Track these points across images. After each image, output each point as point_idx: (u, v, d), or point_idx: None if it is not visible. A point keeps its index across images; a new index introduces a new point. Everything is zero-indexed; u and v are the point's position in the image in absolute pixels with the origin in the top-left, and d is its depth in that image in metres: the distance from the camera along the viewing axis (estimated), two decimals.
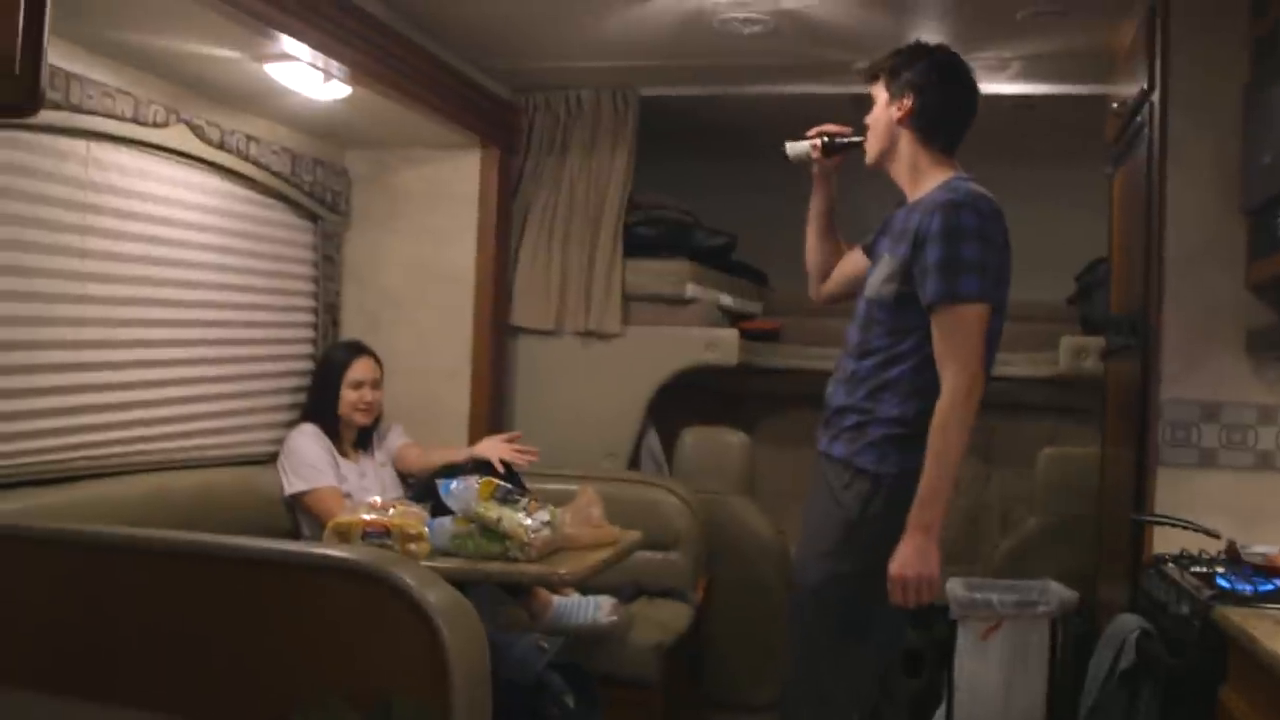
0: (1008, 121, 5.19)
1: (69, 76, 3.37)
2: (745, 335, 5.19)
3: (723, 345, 5.02)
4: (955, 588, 4.33)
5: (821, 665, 3.03)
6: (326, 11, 3.63)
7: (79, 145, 3.49)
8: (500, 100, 4.99)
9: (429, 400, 4.85)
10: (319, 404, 4.26)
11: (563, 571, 3.34)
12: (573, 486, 4.09)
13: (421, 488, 4.04)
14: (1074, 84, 4.56)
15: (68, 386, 3.47)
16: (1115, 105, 4.04)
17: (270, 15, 3.36)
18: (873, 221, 3.30)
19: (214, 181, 4.08)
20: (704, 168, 5.88)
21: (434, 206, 4.94)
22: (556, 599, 4.00)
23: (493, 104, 4.91)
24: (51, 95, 3.24)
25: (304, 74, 3.83)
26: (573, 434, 4.93)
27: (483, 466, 3.96)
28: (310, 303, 4.67)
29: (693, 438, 5.03)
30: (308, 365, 4.53)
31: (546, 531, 3.37)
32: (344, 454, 4.21)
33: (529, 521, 3.34)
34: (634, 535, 3.86)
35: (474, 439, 4.71)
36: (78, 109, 3.42)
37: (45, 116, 3.25)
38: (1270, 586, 2.76)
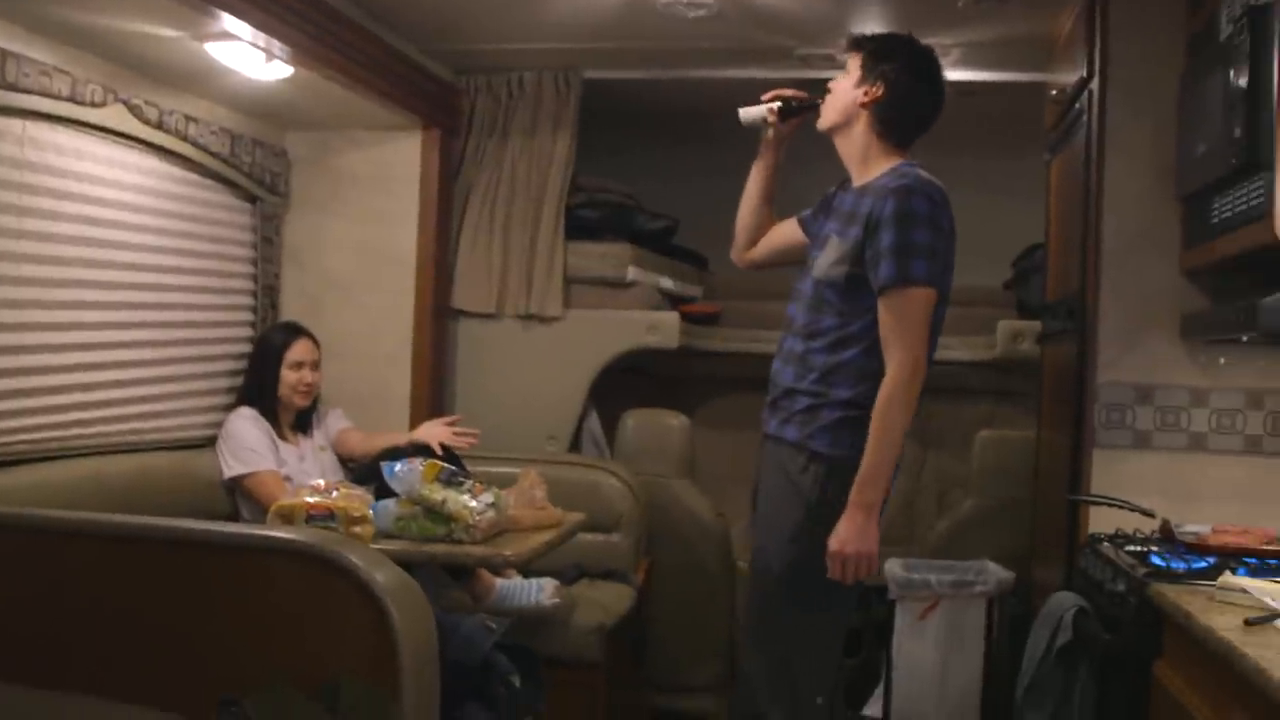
0: (948, 108, 5.24)
1: (5, 54, 3.33)
2: (686, 319, 5.21)
3: (664, 328, 5.04)
4: (893, 568, 4.39)
5: (789, 648, 3.06)
6: None
7: (14, 124, 3.45)
8: (442, 82, 4.97)
9: (370, 383, 4.85)
10: (257, 386, 4.24)
11: (508, 553, 3.36)
12: (515, 469, 4.10)
13: (363, 471, 4.04)
14: (1013, 71, 4.61)
15: (4, 369, 3.44)
16: (1054, 93, 4.10)
17: None
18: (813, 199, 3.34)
19: (152, 162, 4.05)
20: (646, 151, 5.89)
21: (375, 188, 4.93)
22: (499, 581, 4.01)
23: (435, 86, 4.89)
24: None
25: (245, 54, 3.80)
26: (514, 417, 4.93)
27: (424, 450, 3.97)
28: (249, 285, 4.64)
29: (634, 420, 5.05)
30: (246, 348, 4.49)
31: (491, 513, 3.39)
32: (283, 437, 4.20)
33: (474, 504, 3.36)
34: (577, 517, 3.90)
35: (415, 422, 4.71)
36: (14, 88, 3.38)
37: None
38: (1203, 564, 2.83)
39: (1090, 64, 3.58)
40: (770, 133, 3.34)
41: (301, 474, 4.07)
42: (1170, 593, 2.61)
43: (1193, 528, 3.17)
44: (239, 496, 4.06)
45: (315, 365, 4.30)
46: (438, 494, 3.35)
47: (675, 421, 5.00)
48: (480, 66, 5.04)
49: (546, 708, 3.52)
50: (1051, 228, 4.26)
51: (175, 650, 2.67)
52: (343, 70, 4.11)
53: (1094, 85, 3.56)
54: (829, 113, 3.16)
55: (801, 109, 3.28)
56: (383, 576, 2.53)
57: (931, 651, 4.31)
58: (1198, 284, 3.42)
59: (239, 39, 3.67)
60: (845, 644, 3.29)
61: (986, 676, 4.32)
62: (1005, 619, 4.30)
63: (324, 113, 4.68)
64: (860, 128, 3.12)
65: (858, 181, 3.14)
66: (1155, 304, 3.47)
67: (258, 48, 3.77)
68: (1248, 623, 2.29)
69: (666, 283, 5.39)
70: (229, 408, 4.25)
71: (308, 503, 3.30)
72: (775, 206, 3.45)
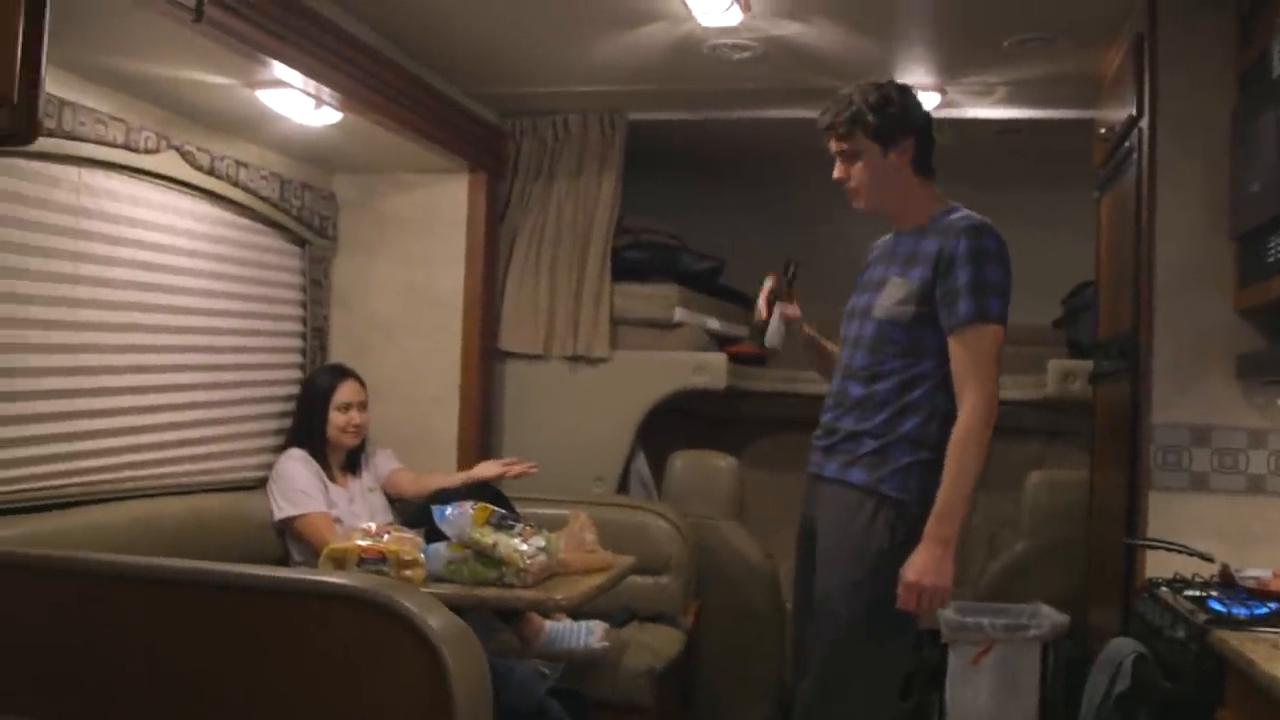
0: (993, 146, 5.25)
1: (62, 103, 3.38)
2: (733, 359, 5.21)
3: (711, 369, 5.04)
4: (945, 611, 4.35)
5: (849, 692, 3.03)
6: (318, 38, 3.65)
7: (70, 171, 3.51)
8: (488, 125, 5.01)
9: (417, 425, 4.86)
10: (306, 428, 4.27)
11: (558, 597, 3.35)
12: (562, 511, 4.12)
13: (414, 513, 4.05)
14: (1059, 109, 4.60)
15: (60, 413, 3.48)
16: (1103, 130, 4.09)
17: (263, 42, 3.39)
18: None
19: (203, 207, 4.10)
20: (691, 191, 5.91)
21: (421, 231, 4.96)
22: (548, 624, 4.00)
23: (480, 129, 4.93)
24: (44, 122, 3.25)
25: (295, 100, 3.85)
26: (561, 458, 4.93)
27: (476, 492, 3.96)
28: (298, 327, 4.68)
29: (681, 462, 5.04)
30: (295, 389, 4.51)
31: (542, 558, 3.39)
32: (332, 478, 4.21)
33: (525, 547, 3.36)
34: (628, 561, 3.89)
35: (463, 463, 4.72)
36: (70, 135, 3.43)
37: (38, 143, 3.23)
38: (1264, 610, 2.79)
39: (1140, 101, 3.57)
40: (791, 326, 3.35)
41: (351, 516, 4.08)
42: (1232, 640, 2.57)
43: (1253, 572, 3.13)
44: (289, 538, 4.07)
45: (363, 406, 4.32)
46: (489, 538, 3.35)
47: (723, 463, 4.99)
48: (525, 109, 5.08)
49: None
50: (1102, 265, 4.24)
51: (227, 696, 2.67)
52: (390, 115, 4.15)
53: (1144, 123, 3.55)
54: (873, 199, 3.12)
55: (793, 278, 3.34)
56: (437, 622, 2.53)
57: (985, 697, 4.26)
58: (1254, 323, 3.39)
59: (289, 86, 3.72)
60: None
61: None
62: (1060, 664, 4.25)
63: (371, 157, 4.72)
64: (902, 183, 3.12)
65: (907, 224, 3.14)
66: (1210, 343, 3.43)
67: (307, 94, 3.82)
68: None
69: (713, 323, 5.40)
70: (279, 449, 4.27)
71: (359, 546, 3.31)
72: (818, 261, 3.48)
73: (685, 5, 3.77)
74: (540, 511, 4.24)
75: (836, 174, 3.12)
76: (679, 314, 5.10)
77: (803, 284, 3.37)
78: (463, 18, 4.00)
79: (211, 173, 4.05)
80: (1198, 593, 3.01)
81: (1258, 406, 3.42)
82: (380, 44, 4.07)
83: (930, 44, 4.16)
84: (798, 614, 3.27)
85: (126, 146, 3.65)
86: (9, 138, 2.30)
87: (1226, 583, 3.08)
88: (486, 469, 4.30)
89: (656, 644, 4.29)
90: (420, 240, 4.96)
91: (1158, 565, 3.31)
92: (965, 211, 3.08)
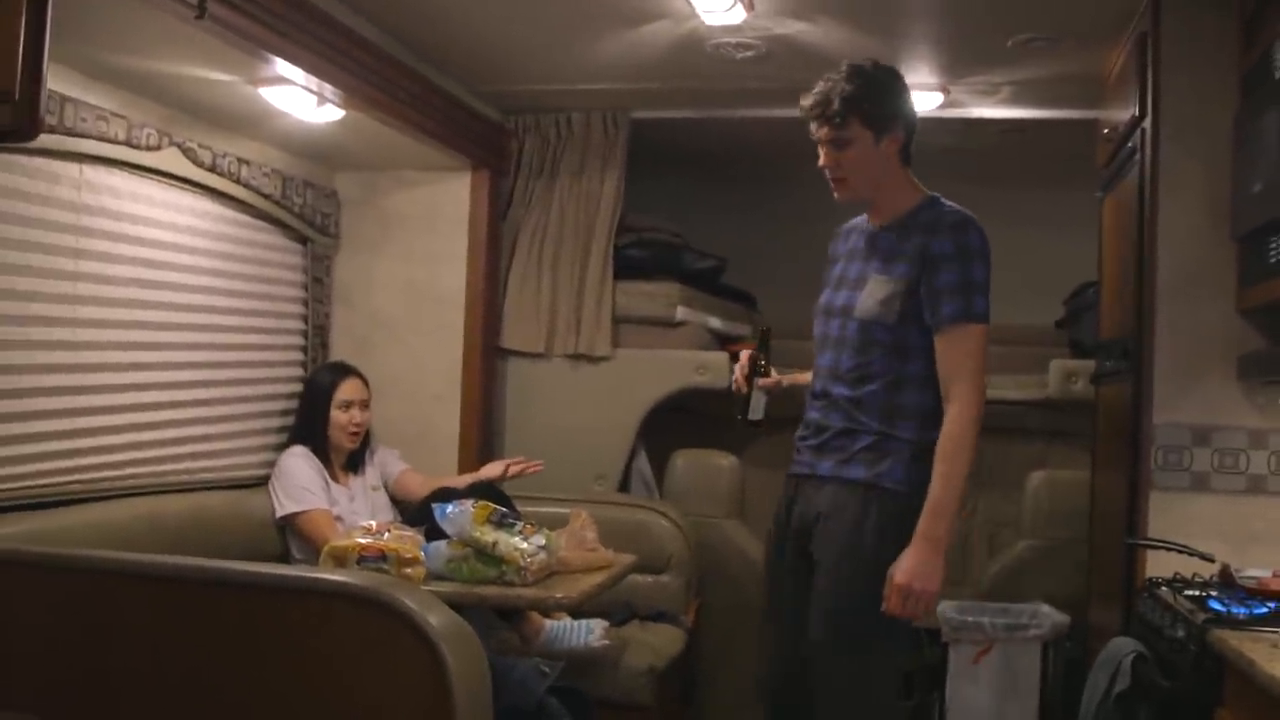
0: (997, 145, 5.25)
1: (63, 99, 3.39)
2: (734, 358, 5.20)
3: (713, 368, 5.05)
4: (946, 610, 4.36)
5: (848, 691, 3.01)
6: (321, 35, 3.66)
7: (72, 168, 3.52)
8: (490, 123, 5.02)
9: (418, 423, 4.87)
10: (308, 426, 4.27)
11: (559, 596, 3.37)
12: (563, 509, 4.14)
13: (414, 511, 4.05)
14: (1063, 109, 4.61)
15: (62, 410, 3.49)
16: (1106, 131, 4.09)
17: (265, 39, 3.39)
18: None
19: (205, 204, 4.11)
20: (694, 190, 5.92)
21: (424, 229, 4.97)
22: (548, 622, 4.01)
23: (483, 126, 4.94)
24: (46, 119, 3.25)
25: (297, 97, 3.85)
26: (563, 457, 4.92)
27: (478, 490, 3.97)
28: (300, 325, 4.69)
29: (683, 460, 5.05)
30: (297, 387, 4.53)
31: (543, 556, 3.40)
32: (334, 477, 4.22)
33: (525, 545, 3.37)
34: (628, 559, 3.90)
35: (464, 461, 4.74)
36: (71, 132, 3.44)
37: (39, 140, 3.24)
38: (1264, 610, 2.80)
39: (1142, 102, 3.58)
40: (771, 393, 3.37)
41: (352, 514, 4.09)
42: (1232, 639, 2.58)
43: (1253, 572, 3.13)
44: (290, 535, 4.08)
45: (365, 405, 4.33)
46: (489, 536, 3.36)
47: (725, 461, 5.00)
48: (528, 107, 5.08)
49: None
50: (1104, 265, 4.24)
51: (226, 694, 2.68)
52: (392, 112, 4.15)
53: (1146, 124, 3.55)
54: (862, 188, 3.07)
55: (765, 346, 3.36)
56: (437, 620, 2.54)
57: (986, 696, 4.27)
58: (1255, 324, 3.39)
59: (291, 83, 3.73)
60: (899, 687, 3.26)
61: None
62: (1061, 663, 4.26)
63: (373, 154, 4.73)
64: (890, 172, 3.08)
65: (886, 215, 3.10)
66: (1211, 344, 3.43)
67: (310, 91, 3.82)
68: None
69: (715, 322, 5.40)
70: (281, 447, 4.28)
71: (360, 544, 3.32)
72: (819, 260, 3.42)
73: (689, 3, 3.78)
74: (541, 510, 4.26)
75: (822, 161, 3.05)
76: (681, 313, 5.10)
77: (803, 293, 3.37)
78: (466, 14, 4.00)
79: (213, 170, 4.06)
80: (1198, 592, 3.02)
81: (1259, 407, 3.42)
82: (383, 41, 4.07)
83: (934, 43, 4.16)
84: (776, 616, 3.20)
85: (128, 143, 3.66)
86: (10, 134, 2.32)
87: (1226, 582, 3.09)
88: (492, 469, 4.32)
89: (657, 643, 4.30)
90: (422, 238, 4.97)
91: (1158, 565, 3.31)
92: (948, 204, 3.06)
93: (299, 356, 4.67)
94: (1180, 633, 2.83)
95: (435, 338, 4.95)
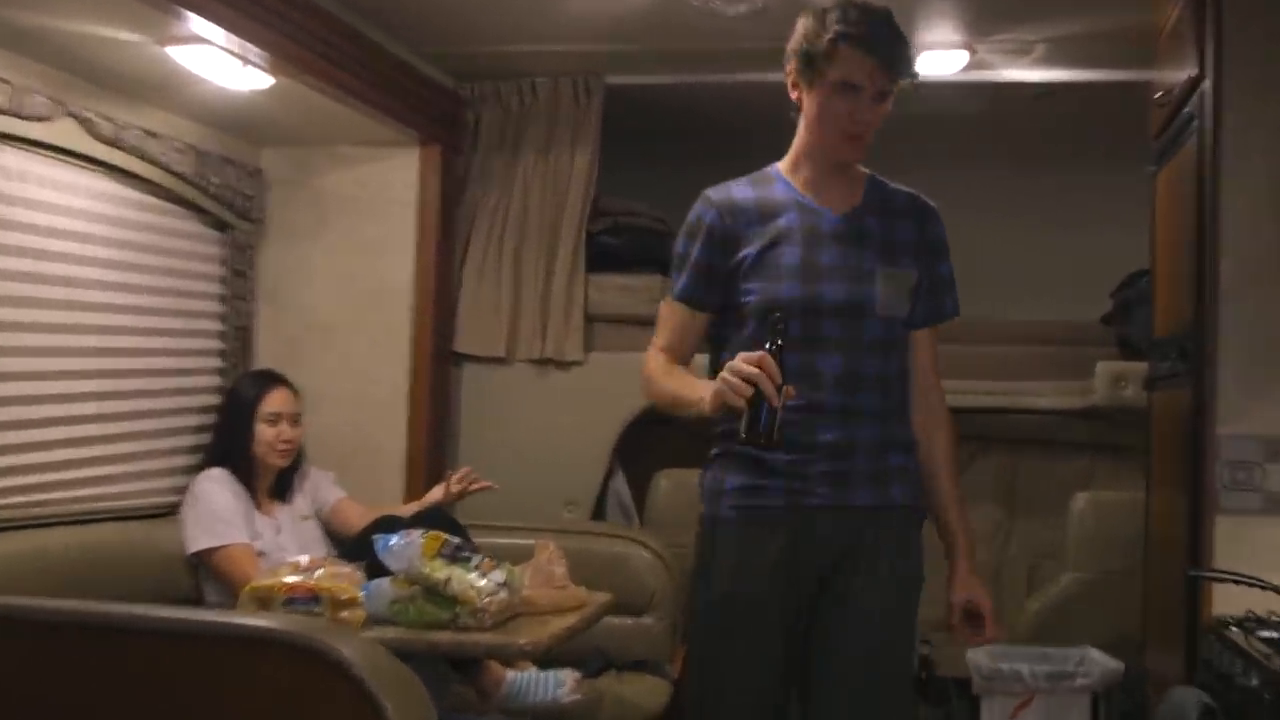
0: (1030, 113, 5.25)
1: None
2: (715, 356, 5.19)
3: (702, 373, 5.00)
4: (977, 656, 4.34)
5: None
6: None
7: None
8: (443, 90, 5.01)
9: (359, 440, 4.85)
10: (228, 444, 4.23)
11: (522, 641, 3.32)
12: (527, 540, 4.08)
13: (353, 545, 4.01)
14: (1108, 69, 4.63)
15: None
16: (1159, 95, 4.07)
17: None
18: None
19: (105, 184, 4.07)
20: (680, 168, 5.86)
21: (365, 213, 4.95)
22: (510, 674, 3.98)
23: (434, 94, 4.92)
24: None
25: (216, 59, 3.83)
26: (528, 479, 4.91)
27: (426, 518, 3.92)
28: (218, 326, 4.66)
29: (667, 482, 5.05)
30: (215, 400, 4.50)
31: (503, 594, 3.36)
32: (257, 504, 4.18)
33: (482, 583, 3.33)
34: (603, 598, 3.86)
35: (412, 486, 4.71)
36: None
37: None
38: None
39: (1202, 60, 3.55)
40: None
41: (278, 549, 4.04)
42: None
43: None
44: (204, 574, 4.03)
45: (295, 419, 4.29)
46: (440, 572, 3.31)
47: None
48: (487, 72, 5.08)
49: None
50: (1158, 252, 4.23)
51: None
52: (328, 78, 4.13)
53: (1207, 85, 3.52)
54: (868, 146, 3.08)
55: (780, 341, 2.98)
56: (379, 672, 2.49)
57: None
58: None
59: (209, 43, 3.70)
60: None
61: None
62: (1114, 717, 4.24)
63: (306, 126, 4.71)
64: None
65: (850, 193, 3.12)
66: None
67: (231, 53, 3.80)
68: None
69: None
70: (195, 470, 4.23)
71: (287, 583, 3.28)
72: None
73: None
74: (501, 541, 4.22)
75: (867, 115, 3.00)
76: None
77: None
78: None
79: (115, 144, 4.02)
80: (1274, 633, 2.99)
81: None
82: None
83: None
84: (750, 696, 3.07)
85: (13, 113, 3.62)
86: None
87: None
88: (438, 493, 4.28)
89: (638, 696, 4.28)
90: (363, 224, 4.95)
91: (1227, 601, 3.28)
92: (889, 181, 3.19)
93: (217, 364, 4.64)
94: (1254, 681, 2.79)
95: (378, 341, 4.93)
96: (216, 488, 4.09)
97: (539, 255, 5.07)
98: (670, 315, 3.16)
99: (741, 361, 2.75)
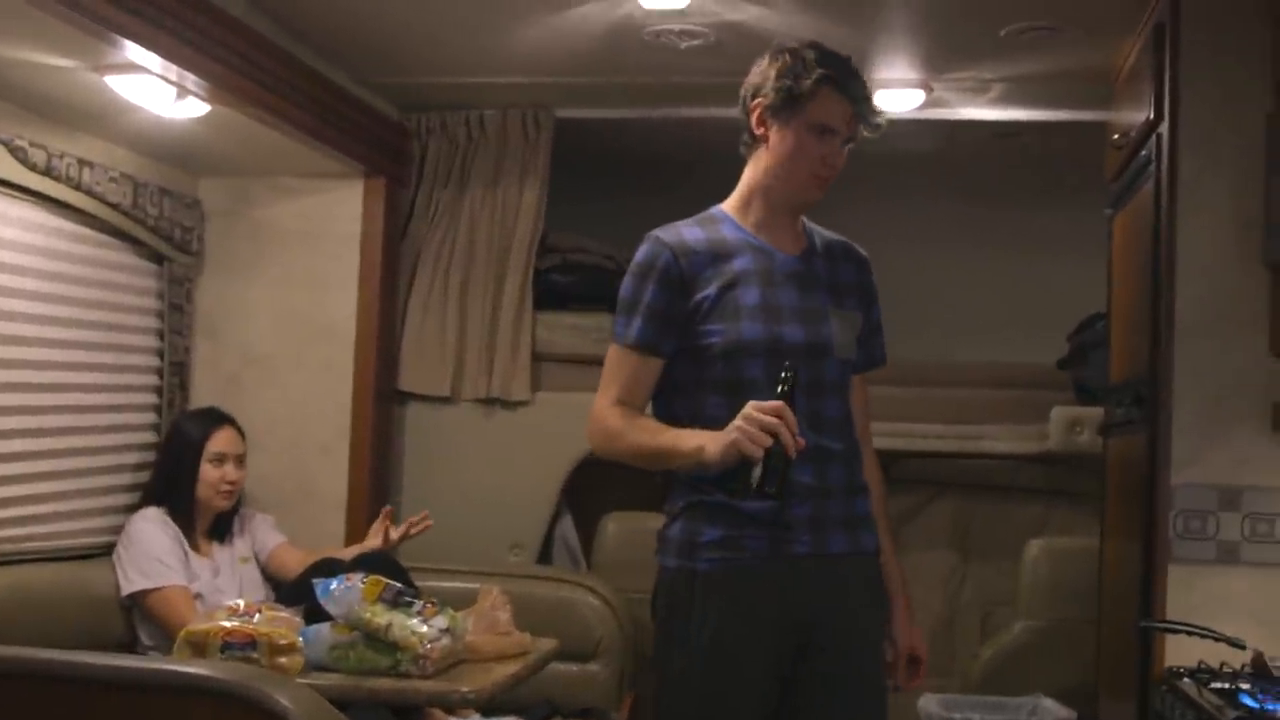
0: (988, 153, 5.30)
1: None
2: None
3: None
4: (929, 705, 4.35)
5: None
6: (181, 14, 3.63)
7: None
8: (387, 121, 5.01)
9: (298, 481, 4.84)
10: (169, 484, 4.22)
11: (465, 689, 3.32)
12: (471, 585, 4.11)
13: (291, 589, 4.00)
14: (1066, 110, 4.66)
15: None
16: (1115, 136, 4.12)
17: (113, 17, 3.35)
18: None
19: (38, 215, 4.06)
20: (630, 204, 5.88)
21: (306, 247, 4.95)
22: None
23: (379, 126, 4.92)
24: None
25: (152, 88, 3.82)
26: (472, 521, 4.91)
27: (367, 562, 3.92)
28: (154, 361, 4.64)
29: (616, 525, 5.04)
30: (150, 437, 4.49)
31: (445, 640, 3.37)
32: (195, 545, 4.16)
33: (424, 629, 3.33)
34: (549, 644, 3.88)
35: (353, 525, 4.70)
36: None
37: None
38: None
39: (1159, 104, 3.60)
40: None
41: (215, 591, 4.04)
42: None
43: None
44: (138, 617, 4.02)
45: (240, 460, 4.29)
46: (381, 617, 3.32)
47: None
48: (433, 103, 5.08)
49: None
50: (1115, 295, 4.27)
51: None
52: (268, 107, 4.13)
53: (1163, 129, 3.57)
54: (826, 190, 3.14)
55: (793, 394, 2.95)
56: None
57: None
58: None
59: (145, 71, 3.69)
60: None
61: None
62: None
63: (246, 157, 4.70)
64: None
65: (796, 235, 3.14)
66: (1241, 389, 3.44)
67: (167, 81, 3.79)
68: None
69: None
70: (129, 509, 4.22)
71: (223, 628, 3.26)
72: None
73: None
74: (444, 585, 4.24)
75: (839, 161, 3.04)
76: None
77: None
78: None
79: (48, 173, 4.00)
80: (1226, 685, 3.01)
81: None
82: (257, 22, 4.05)
83: (914, 32, 4.19)
84: None
85: None
86: None
87: (1260, 673, 3.09)
88: (378, 541, 4.25)
89: None
90: (304, 258, 4.95)
91: (1179, 652, 3.31)
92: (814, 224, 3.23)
93: (153, 400, 4.62)
94: None
95: (319, 378, 4.92)
96: (152, 528, 4.08)
97: (486, 291, 5.06)
98: (621, 364, 3.06)
99: (757, 410, 2.74)
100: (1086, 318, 5.17)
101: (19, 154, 3.89)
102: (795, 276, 3.08)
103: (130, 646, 3.99)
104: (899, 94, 4.59)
